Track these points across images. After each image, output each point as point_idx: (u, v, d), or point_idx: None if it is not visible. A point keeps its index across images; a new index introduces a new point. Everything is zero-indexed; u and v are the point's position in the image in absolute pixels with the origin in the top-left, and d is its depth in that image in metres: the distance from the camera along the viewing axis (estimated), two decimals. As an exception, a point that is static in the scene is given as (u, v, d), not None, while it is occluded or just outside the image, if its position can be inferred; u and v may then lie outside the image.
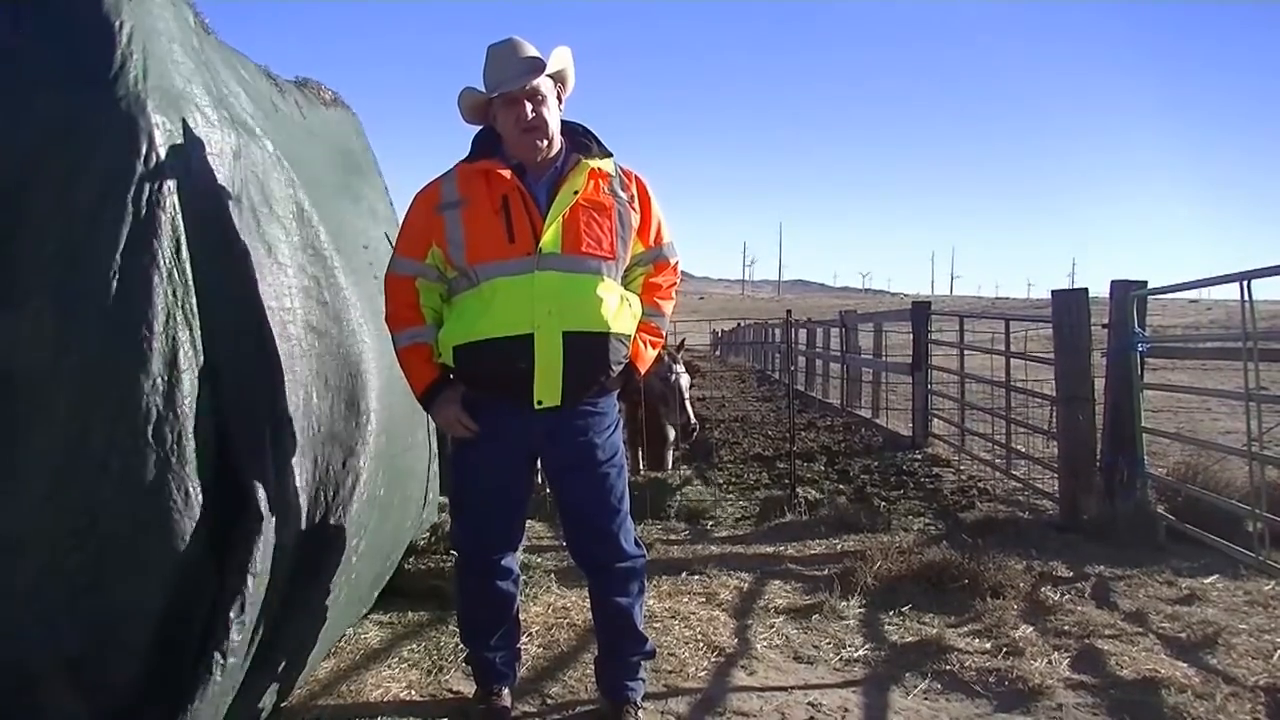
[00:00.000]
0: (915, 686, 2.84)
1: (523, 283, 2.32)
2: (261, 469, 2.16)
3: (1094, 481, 4.91)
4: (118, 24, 2.07)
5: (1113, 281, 5.03)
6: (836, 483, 6.36)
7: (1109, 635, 3.23)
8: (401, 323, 2.49)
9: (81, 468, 1.95)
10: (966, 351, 7.94)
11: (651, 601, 3.44)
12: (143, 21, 2.13)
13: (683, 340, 8.49)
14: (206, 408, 2.09)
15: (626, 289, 2.53)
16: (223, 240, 2.18)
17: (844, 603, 3.54)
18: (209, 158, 2.21)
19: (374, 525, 2.81)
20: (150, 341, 2.00)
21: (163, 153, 2.06)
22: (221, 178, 2.24)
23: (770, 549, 4.47)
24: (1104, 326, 5.11)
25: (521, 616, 2.81)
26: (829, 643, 3.20)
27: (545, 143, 2.38)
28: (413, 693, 2.77)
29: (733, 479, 6.68)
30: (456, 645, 3.00)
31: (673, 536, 4.80)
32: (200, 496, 2.05)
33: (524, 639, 2.89)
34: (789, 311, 7.59)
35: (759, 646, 3.16)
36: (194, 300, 2.08)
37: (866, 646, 3.16)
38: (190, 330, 2.07)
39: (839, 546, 4.46)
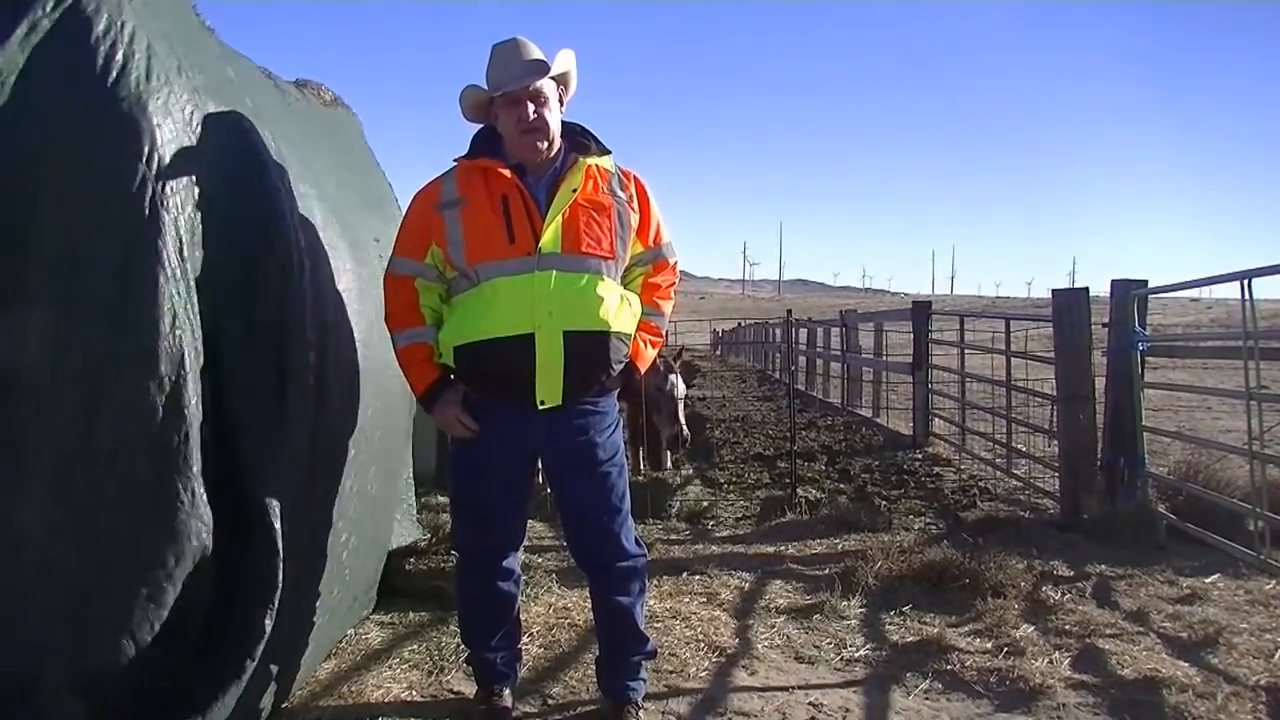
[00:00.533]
0: (916, 686, 2.84)
1: (523, 283, 2.32)
2: (272, 471, 2.16)
3: (1095, 480, 4.91)
4: (120, 23, 2.07)
5: (1113, 281, 5.03)
6: (837, 482, 6.35)
7: (1110, 635, 3.23)
8: (401, 323, 2.49)
9: (86, 468, 1.95)
10: (967, 351, 7.94)
11: (652, 601, 3.44)
12: (145, 21, 2.13)
13: (681, 349, 8.49)
14: (212, 408, 2.09)
15: (626, 289, 2.53)
16: (227, 239, 2.18)
17: (845, 602, 3.54)
18: (211, 156, 2.21)
19: (367, 522, 2.81)
20: (156, 342, 2.00)
21: (166, 152, 2.06)
22: (223, 176, 2.23)
23: (771, 549, 4.47)
24: (1104, 325, 5.11)
25: (522, 617, 2.81)
26: (830, 642, 3.20)
27: (545, 144, 2.39)
28: (413, 693, 2.77)
29: (733, 479, 6.68)
30: (457, 645, 3.00)
31: (673, 536, 4.80)
32: (205, 498, 2.05)
33: (525, 639, 2.89)
34: (789, 311, 7.61)
35: (760, 646, 3.16)
36: (199, 300, 2.08)
37: (867, 646, 3.16)
38: (195, 330, 2.07)
39: (840, 546, 4.46)
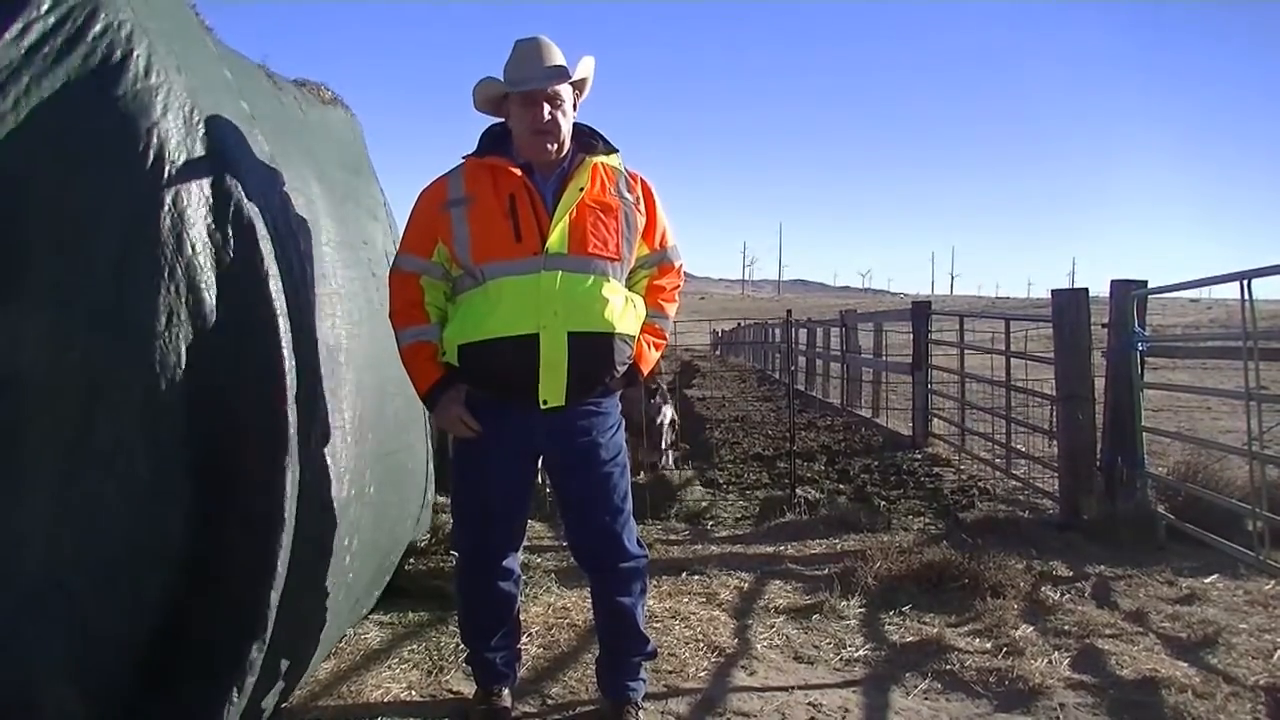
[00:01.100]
0: (915, 686, 2.84)
1: (529, 282, 2.32)
2: (273, 471, 2.16)
3: (1094, 481, 4.91)
4: (119, 21, 2.07)
5: (1113, 281, 5.03)
6: (836, 482, 6.35)
7: (1109, 635, 3.23)
8: (405, 320, 2.49)
9: (85, 467, 1.95)
10: (966, 351, 7.94)
11: (652, 601, 3.44)
12: (143, 19, 2.13)
13: (674, 379, 8.48)
14: (210, 406, 2.09)
15: (630, 291, 2.53)
16: (224, 238, 2.18)
17: (844, 602, 3.54)
18: (209, 155, 2.21)
19: (368, 525, 2.81)
20: (153, 340, 2.00)
21: (165, 150, 2.06)
22: (226, 172, 2.23)
23: (770, 549, 4.47)
24: (1104, 326, 5.11)
25: (522, 617, 2.81)
26: (829, 643, 3.20)
27: (555, 146, 2.39)
28: (413, 693, 2.77)
29: (733, 479, 6.68)
30: (457, 645, 3.00)
31: (673, 536, 4.80)
32: (204, 497, 2.05)
33: (524, 639, 2.89)
34: (789, 311, 7.60)
35: (759, 646, 3.16)
36: (196, 298, 2.08)
37: (867, 646, 3.16)
38: (193, 327, 2.07)
39: (839, 546, 4.46)
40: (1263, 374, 4.23)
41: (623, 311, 2.43)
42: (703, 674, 2.93)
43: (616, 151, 2.50)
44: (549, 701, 2.74)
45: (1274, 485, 4.32)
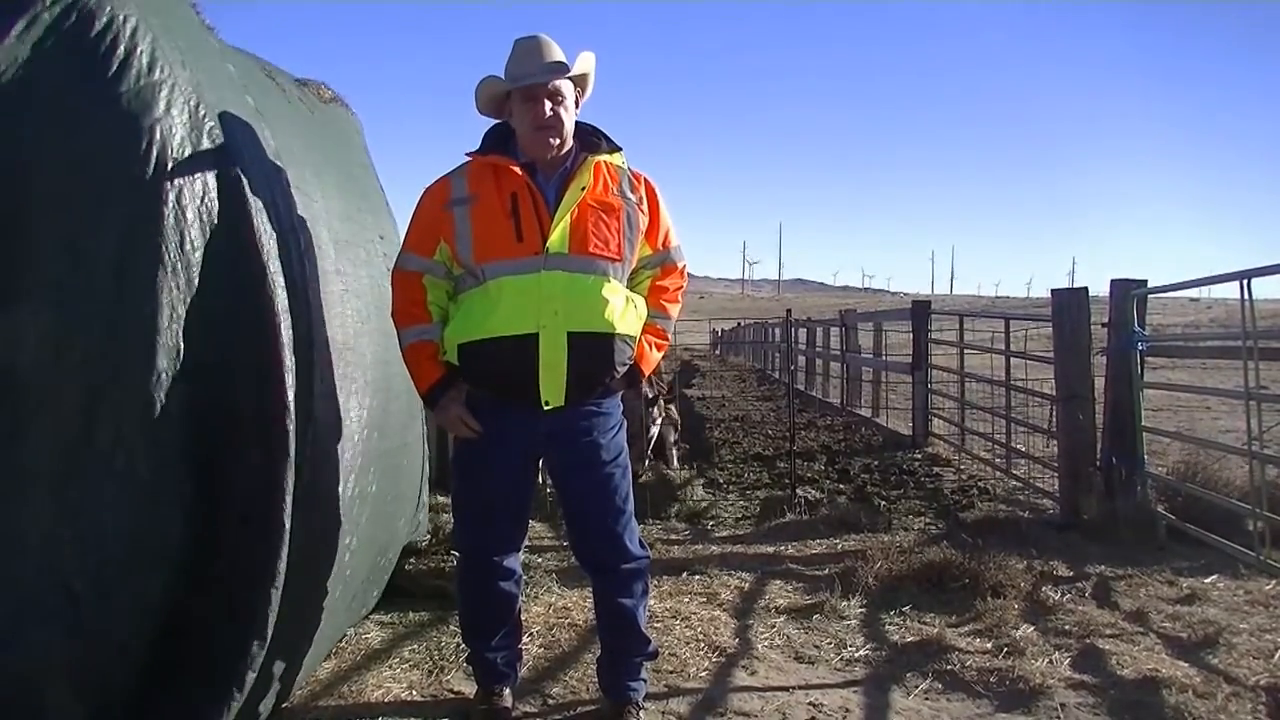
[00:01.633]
0: (916, 686, 2.84)
1: (529, 282, 2.32)
2: (273, 471, 2.16)
3: (1094, 481, 4.91)
4: (123, 17, 2.06)
5: (1113, 280, 5.03)
6: (837, 482, 6.35)
7: (1109, 635, 3.23)
8: (407, 319, 2.49)
9: (85, 466, 1.95)
10: (966, 351, 7.94)
11: (652, 601, 3.43)
12: (147, 15, 2.13)
13: (674, 378, 8.47)
14: (211, 405, 2.09)
15: (632, 291, 2.53)
16: (227, 235, 2.18)
17: (845, 602, 3.54)
18: (213, 151, 2.21)
19: (366, 522, 2.81)
20: (154, 338, 2.00)
21: (170, 146, 2.06)
22: (229, 169, 2.23)
23: (771, 549, 4.47)
24: (1104, 325, 5.11)
25: (523, 616, 2.81)
26: (830, 642, 3.20)
27: (557, 141, 2.39)
28: (414, 693, 2.77)
29: (733, 479, 6.68)
30: (458, 645, 3.00)
31: (673, 536, 4.80)
32: (204, 496, 2.05)
33: (525, 639, 2.89)
34: (789, 311, 7.60)
35: (760, 646, 3.16)
36: (198, 296, 2.08)
37: (867, 646, 3.16)
38: (195, 326, 2.06)
39: (839, 546, 4.46)
40: (1263, 374, 4.23)
41: (623, 312, 2.43)
42: (703, 674, 2.93)
43: (620, 151, 2.50)
44: (550, 701, 2.74)
45: (1274, 485, 4.33)
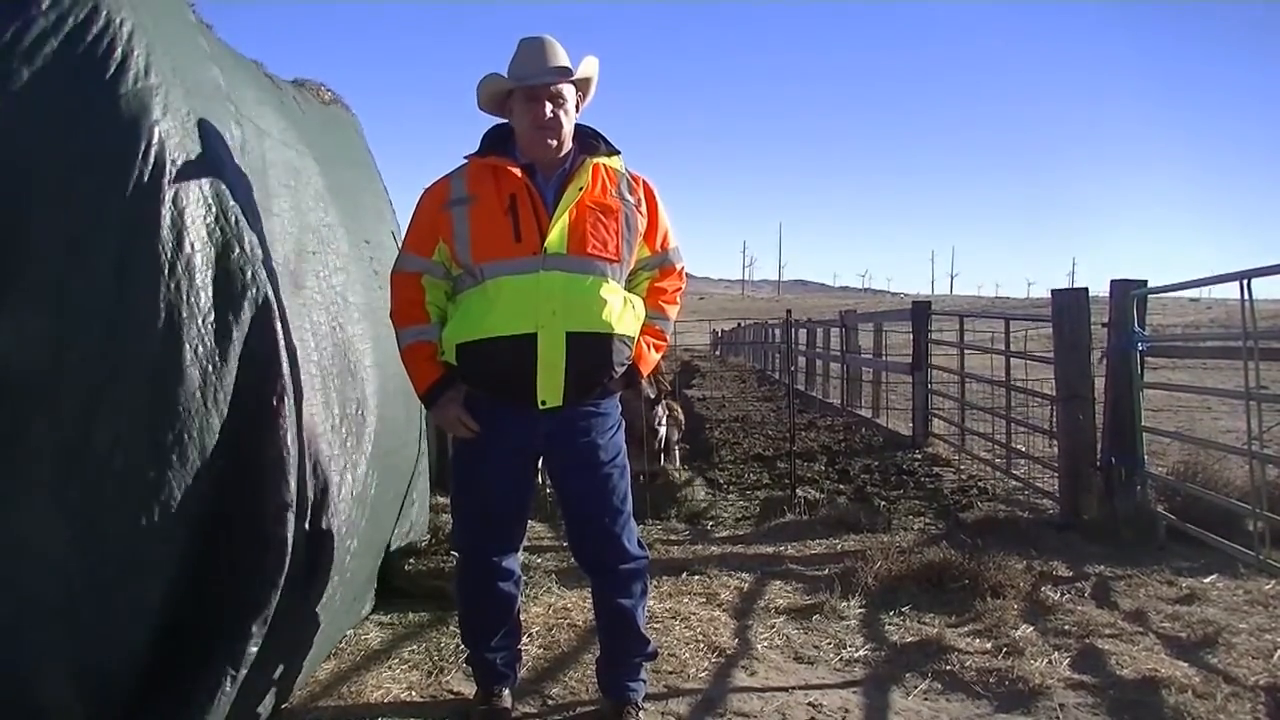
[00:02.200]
0: (916, 687, 2.84)
1: (528, 282, 2.33)
2: (276, 471, 2.16)
3: (1094, 481, 4.91)
4: (120, 20, 2.07)
5: (1113, 281, 5.03)
6: (837, 482, 6.35)
7: (1109, 635, 3.23)
8: (406, 320, 2.49)
9: (84, 467, 1.95)
10: (966, 351, 7.94)
11: (652, 602, 3.44)
12: (144, 18, 2.13)
13: (674, 378, 8.45)
14: (209, 407, 2.09)
15: (631, 293, 2.53)
16: (225, 235, 2.18)
17: (844, 603, 3.54)
18: (211, 152, 2.21)
19: (366, 524, 2.81)
20: (153, 339, 2.00)
21: (165, 149, 2.06)
22: (223, 172, 2.23)
23: (770, 549, 4.47)
24: (1104, 326, 5.11)
25: (522, 617, 2.81)
26: (829, 643, 3.20)
27: (555, 144, 2.39)
28: (413, 694, 2.77)
29: (733, 479, 6.68)
30: (457, 646, 3.00)
31: (673, 537, 4.80)
32: (203, 497, 2.05)
33: (524, 640, 2.89)
34: (789, 311, 7.60)
35: (759, 647, 3.16)
36: (197, 297, 2.08)
37: (867, 647, 3.16)
38: (193, 327, 2.07)
39: (839, 546, 4.46)
40: (1263, 374, 4.23)
41: (621, 312, 2.43)
42: (703, 674, 2.93)
43: (618, 153, 2.51)
44: (549, 702, 2.74)
45: (1274, 485, 4.33)
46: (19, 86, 1.94)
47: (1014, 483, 6.07)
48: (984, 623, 3.33)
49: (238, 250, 2.19)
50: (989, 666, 2.95)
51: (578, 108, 2.46)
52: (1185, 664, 2.95)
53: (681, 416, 7.06)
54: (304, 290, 2.51)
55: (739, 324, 33.32)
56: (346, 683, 2.80)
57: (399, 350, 2.53)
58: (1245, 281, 4.02)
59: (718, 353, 32.14)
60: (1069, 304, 5.25)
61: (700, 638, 3.21)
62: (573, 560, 2.77)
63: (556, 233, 2.35)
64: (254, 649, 2.10)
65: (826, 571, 3.94)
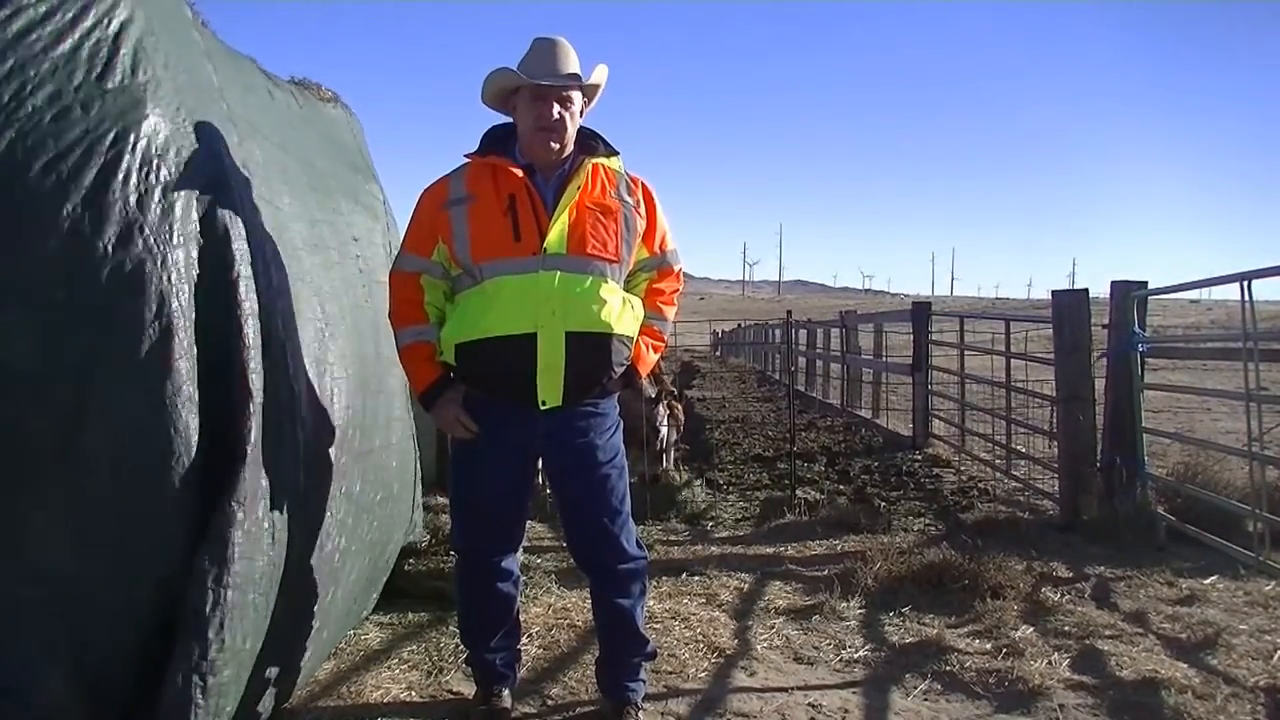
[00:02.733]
0: (915, 687, 2.84)
1: (527, 282, 2.33)
2: (255, 468, 2.15)
3: (1094, 482, 4.91)
4: (109, 16, 2.06)
5: (1113, 282, 5.03)
6: (836, 483, 6.35)
7: (1109, 636, 3.23)
8: (404, 320, 2.49)
9: (78, 465, 1.94)
10: (967, 352, 7.94)
11: (652, 602, 3.44)
12: (137, 15, 2.13)
13: (674, 378, 8.44)
14: (201, 404, 2.08)
15: (629, 293, 2.53)
16: (217, 234, 2.17)
17: (844, 603, 3.54)
18: (201, 149, 2.20)
19: (355, 524, 2.80)
20: (148, 337, 1.99)
21: (153, 146, 2.06)
22: (213, 169, 2.23)
23: (770, 550, 4.47)
24: (1104, 327, 5.11)
25: (521, 617, 2.81)
26: (829, 643, 3.20)
27: (558, 146, 2.40)
28: (413, 694, 2.77)
29: (733, 479, 6.68)
30: (456, 646, 3.00)
31: (673, 537, 4.80)
32: (197, 495, 2.05)
33: (524, 640, 2.89)
34: (789, 312, 7.61)
35: (759, 647, 3.16)
36: (188, 294, 2.07)
37: (867, 647, 3.16)
38: (185, 324, 2.06)
39: (839, 547, 4.47)
40: (1263, 375, 4.23)
41: (620, 312, 2.43)
42: (703, 675, 2.93)
43: (617, 154, 2.51)
44: (549, 702, 2.74)
45: (1274, 486, 4.33)
46: (7, 82, 1.93)
47: (1014, 484, 6.07)
48: (984, 623, 3.33)
49: (227, 248, 2.18)
50: (989, 667, 2.95)
51: (581, 112, 2.46)
52: (1185, 665, 2.95)
53: (682, 416, 7.06)
54: (295, 286, 2.50)
55: (739, 324, 33.35)
56: (346, 683, 2.80)
57: (397, 350, 2.53)
58: (1245, 283, 4.03)
59: (718, 353, 32.18)
60: (1069, 305, 5.25)
61: (700, 638, 3.21)
62: (572, 560, 2.77)
63: (556, 233, 2.35)
64: (216, 654, 2.06)
65: (826, 572, 3.94)
